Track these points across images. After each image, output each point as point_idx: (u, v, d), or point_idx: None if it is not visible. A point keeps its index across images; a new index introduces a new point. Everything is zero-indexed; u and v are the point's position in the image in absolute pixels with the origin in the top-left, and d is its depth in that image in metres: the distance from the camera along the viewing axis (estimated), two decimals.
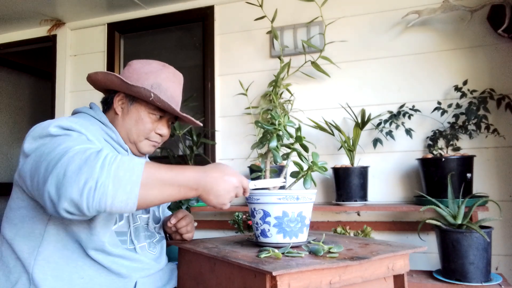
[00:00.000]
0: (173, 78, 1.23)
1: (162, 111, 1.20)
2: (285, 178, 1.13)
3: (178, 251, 1.24)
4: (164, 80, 1.20)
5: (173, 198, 0.94)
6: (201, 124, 1.31)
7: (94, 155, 0.87)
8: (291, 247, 1.01)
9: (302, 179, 1.11)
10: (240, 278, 0.92)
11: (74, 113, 1.22)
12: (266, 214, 1.05)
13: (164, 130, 1.22)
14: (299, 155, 1.13)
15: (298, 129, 1.14)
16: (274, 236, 1.05)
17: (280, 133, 1.11)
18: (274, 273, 0.80)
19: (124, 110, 1.19)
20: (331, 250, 0.99)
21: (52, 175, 0.85)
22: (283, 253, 0.96)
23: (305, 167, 1.11)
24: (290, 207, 1.05)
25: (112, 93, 1.21)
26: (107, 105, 1.22)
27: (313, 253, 0.98)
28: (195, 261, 1.12)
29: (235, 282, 0.93)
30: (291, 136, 1.13)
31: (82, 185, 0.82)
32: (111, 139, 1.16)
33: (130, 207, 0.86)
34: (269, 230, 1.05)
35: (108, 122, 1.17)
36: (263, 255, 0.94)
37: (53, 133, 0.97)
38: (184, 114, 1.21)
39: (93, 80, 1.22)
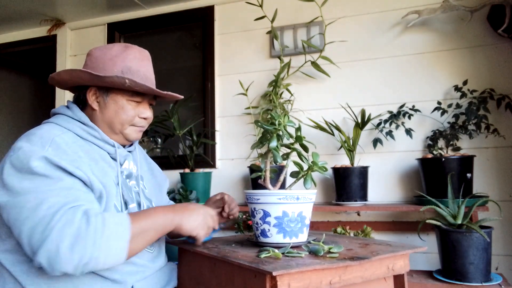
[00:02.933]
0: (141, 56, 1.17)
1: (140, 95, 1.15)
2: (285, 177, 1.13)
3: (178, 251, 1.23)
4: (132, 61, 1.13)
5: (155, 239, 1.04)
6: (182, 97, 1.25)
7: (85, 227, 0.88)
8: (291, 247, 1.01)
9: (302, 179, 1.10)
10: (240, 278, 0.92)
11: (53, 114, 1.17)
12: (266, 214, 1.05)
13: (147, 113, 1.18)
14: (299, 155, 1.12)
15: (298, 129, 1.14)
16: (274, 236, 1.05)
17: (280, 133, 1.11)
18: (274, 273, 0.80)
19: (100, 104, 1.14)
20: (331, 250, 0.99)
21: (43, 249, 0.87)
22: (283, 253, 0.96)
23: (305, 167, 1.11)
24: (290, 207, 1.04)
25: (83, 89, 1.15)
26: (81, 103, 1.16)
27: (313, 253, 0.98)
28: (195, 261, 1.12)
29: (235, 282, 0.93)
30: (291, 136, 1.13)
31: (77, 263, 0.87)
32: (95, 137, 1.12)
33: (119, 263, 0.95)
34: (269, 230, 1.05)
35: (88, 120, 1.12)
36: (263, 255, 0.94)
37: (35, 170, 0.93)
38: (164, 92, 1.17)
39: (58, 81, 1.16)
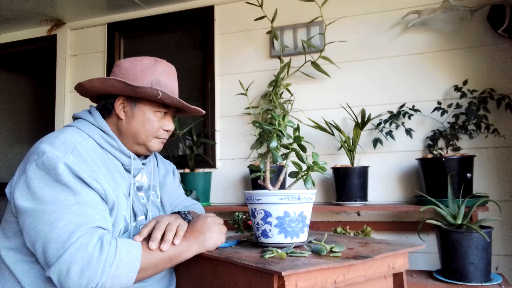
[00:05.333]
0: (169, 71, 1.21)
1: (167, 107, 1.18)
2: (284, 178, 1.13)
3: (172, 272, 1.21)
4: (161, 75, 1.17)
5: (170, 267, 1.05)
6: (204, 112, 1.30)
7: (97, 254, 0.90)
8: (294, 247, 1.01)
9: (301, 179, 1.11)
10: (245, 279, 0.91)
11: (74, 118, 1.18)
12: (267, 215, 1.05)
13: (170, 125, 1.22)
14: (297, 155, 1.12)
15: (297, 129, 1.14)
16: (276, 237, 1.05)
17: (279, 133, 1.11)
18: (283, 273, 0.79)
19: (127, 114, 1.16)
20: (333, 250, 0.99)
21: (55, 266, 0.89)
22: (286, 253, 0.96)
23: (304, 167, 1.11)
24: (292, 207, 1.04)
25: (111, 98, 1.17)
26: (106, 111, 1.18)
27: (316, 252, 0.99)
28: (195, 263, 1.11)
29: (239, 284, 0.93)
30: (289, 136, 1.13)
31: (84, 287, 0.89)
32: (112, 147, 1.13)
33: None
34: (270, 230, 1.05)
35: (109, 129, 1.14)
36: (267, 256, 0.94)
37: (59, 178, 0.95)
38: (192, 106, 1.21)
39: (87, 88, 1.16)
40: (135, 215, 1.14)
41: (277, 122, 1.10)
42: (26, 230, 0.95)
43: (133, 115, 1.16)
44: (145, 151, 1.21)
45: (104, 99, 1.19)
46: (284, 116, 1.11)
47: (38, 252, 0.93)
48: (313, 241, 1.08)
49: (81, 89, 1.19)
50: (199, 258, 1.08)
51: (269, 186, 1.13)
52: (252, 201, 1.08)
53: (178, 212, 1.15)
